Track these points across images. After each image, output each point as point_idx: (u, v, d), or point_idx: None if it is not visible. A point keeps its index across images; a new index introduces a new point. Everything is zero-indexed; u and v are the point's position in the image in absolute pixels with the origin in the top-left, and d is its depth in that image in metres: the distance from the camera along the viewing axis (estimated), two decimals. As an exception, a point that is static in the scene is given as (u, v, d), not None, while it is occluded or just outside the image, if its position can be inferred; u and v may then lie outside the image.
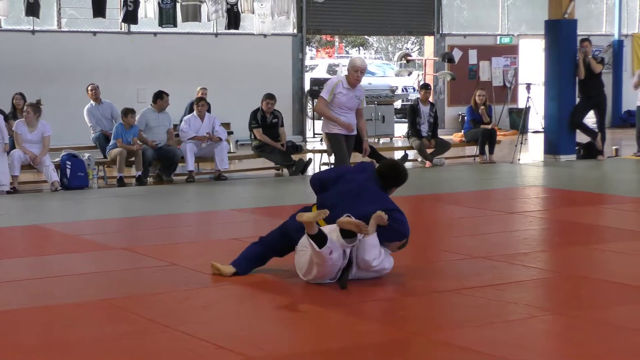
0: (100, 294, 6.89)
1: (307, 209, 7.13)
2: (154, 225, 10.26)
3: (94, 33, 18.83)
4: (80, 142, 15.54)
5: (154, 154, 14.12)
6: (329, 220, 6.89)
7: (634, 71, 22.09)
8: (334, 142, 10.35)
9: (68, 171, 13.32)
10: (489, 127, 16.59)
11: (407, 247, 7.40)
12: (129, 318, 6.21)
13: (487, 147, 16.47)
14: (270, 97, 14.95)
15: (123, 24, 18.79)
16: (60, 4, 18.57)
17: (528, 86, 17.63)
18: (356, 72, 9.93)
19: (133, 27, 18.98)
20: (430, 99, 17.05)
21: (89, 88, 15.64)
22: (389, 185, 7.28)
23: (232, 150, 16.21)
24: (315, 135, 20.96)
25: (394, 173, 7.31)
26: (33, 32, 18.29)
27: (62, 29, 18.69)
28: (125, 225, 10.40)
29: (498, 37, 23.51)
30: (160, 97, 14.53)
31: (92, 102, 15.54)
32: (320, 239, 6.63)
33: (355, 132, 10.44)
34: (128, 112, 14.09)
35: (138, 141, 14.00)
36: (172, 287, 7.05)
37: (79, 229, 9.85)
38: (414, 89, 26.05)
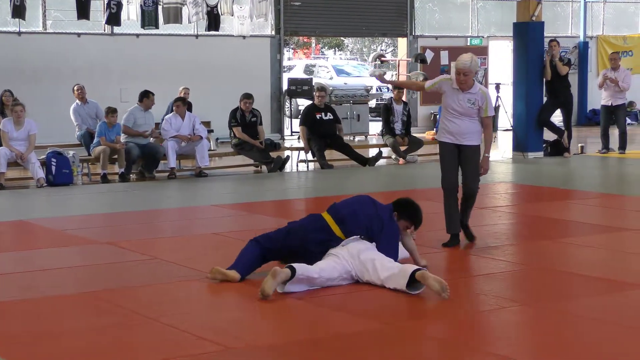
0: (84, 287, 6.96)
1: (319, 217, 7.22)
2: (136, 221, 10.34)
3: (78, 34, 18.98)
4: (65, 140, 15.66)
5: (139, 152, 14.28)
6: (338, 221, 7.11)
7: (599, 71, 22.26)
8: (440, 151, 8.74)
9: (53, 168, 13.44)
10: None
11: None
12: (112, 310, 6.25)
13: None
14: (247, 97, 15.14)
15: (106, 25, 18.96)
16: (45, 7, 18.70)
17: (497, 86, 17.89)
18: (458, 74, 8.23)
19: (116, 29, 19.12)
20: (404, 98, 17.23)
21: (75, 88, 15.75)
22: (402, 215, 7.30)
23: (212, 148, 16.36)
24: (293, 134, 21.25)
25: (413, 207, 7.37)
26: (19, 33, 18.45)
27: (47, 31, 18.81)
28: (109, 221, 10.43)
29: (468, 39, 23.86)
30: (146, 96, 14.68)
31: (77, 101, 15.64)
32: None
33: (469, 143, 8.45)
34: (110, 112, 14.22)
35: (121, 139, 14.17)
36: (154, 280, 7.12)
37: (63, 224, 9.90)
38: (388, 88, 26.17)
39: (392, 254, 7.04)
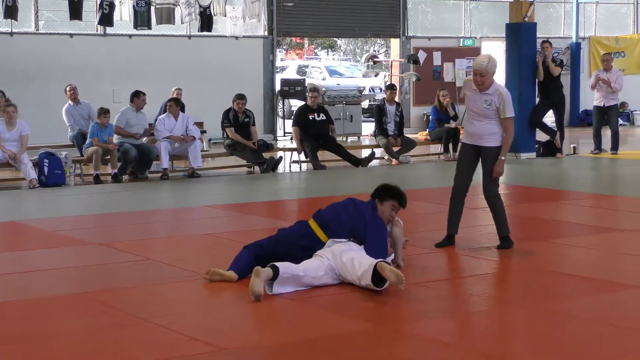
0: (77, 288, 6.96)
1: (305, 224, 7.26)
2: (129, 221, 10.35)
3: (71, 35, 18.97)
4: (58, 141, 15.64)
5: (137, 153, 14.26)
6: (323, 227, 7.10)
7: (591, 72, 22.34)
8: (459, 153, 8.71)
9: (46, 169, 13.42)
10: (453, 125, 16.87)
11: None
12: (105, 311, 6.25)
13: (450, 145, 16.76)
14: (240, 97, 15.15)
15: (99, 26, 18.96)
16: (37, 7, 18.68)
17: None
18: (475, 75, 8.14)
19: (108, 30, 19.13)
20: (396, 99, 17.25)
21: (68, 89, 15.74)
22: (384, 198, 7.30)
23: (205, 149, 16.33)
24: (286, 134, 21.26)
25: (390, 187, 7.38)
26: (11, 34, 18.43)
27: (39, 31, 18.80)
28: (101, 221, 10.43)
29: (461, 40, 23.90)
30: (136, 96, 14.69)
31: (70, 102, 15.63)
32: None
33: (488, 144, 8.27)
34: (103, 112, 14.21)
35: (113, 140, 14.21)
36: (146, 281, 7.13)
37: (56, 225, 9.91)
38: (380, 89, 26.14)
39: (381, 251, 7.03)
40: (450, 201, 8.55)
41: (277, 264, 6.61)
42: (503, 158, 8.29)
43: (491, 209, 8.47)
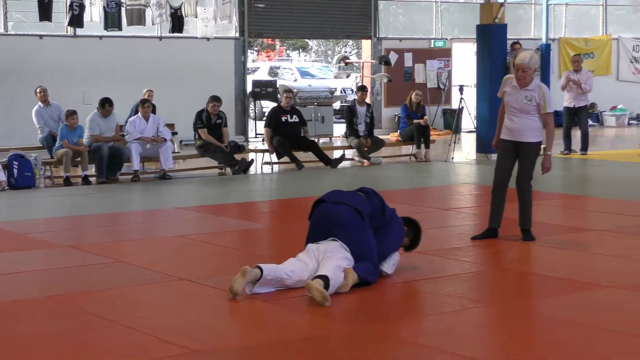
0: (47, 291, 6.93)
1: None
2: (100, 224, 10.33)
3: (41, 36, 18.81)
4: (27, 143, 15.56)
5: (108, 150, 14.19)
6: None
7: (561, 73, 22.46)
8: (499, 149, 8.80)
9: (15, 171, 13.35)
10: (422, 122, 16.85)
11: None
12: (76, 314, 6.23)
13: (422, 142, 16.80)
14: (216, 100, 15.15)
15: (69, 27, 18.83)
16: (6, 8, 18.52)
17: (461, 88, 17.90)
18: (517, 70, 8.40)
19: (79, 31, 19.01)
20: (367, 100, 17.29)
21: (38, 90, 15.67)
22: (409, 236, 7.50)
23: (176, 150, 16.29)
24: (257, 136, 21.26)
25: (419, 238, 7.55)
26: (-20, 35, 18.32)
27: (8, 32, 18.65)
28: (72, 224, 10.39)
29: (432, 41, 23.91)
30: (102, 106, 14.57)
31: (40, 103, 15.56)
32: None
33: (527, 140, 8.50)
34: (70, 114, 14.18)
35: (84, 142, 14.13)
36: (118, 284, 7.10)
37: (26, 228, 9.87)
38: (352, 90, 26.23)
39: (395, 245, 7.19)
40: (491, 195, 8.79)
41: (263, 265, 6.60)
42: (549, 153, 8.59)
43: (520, 201, 8.64)
